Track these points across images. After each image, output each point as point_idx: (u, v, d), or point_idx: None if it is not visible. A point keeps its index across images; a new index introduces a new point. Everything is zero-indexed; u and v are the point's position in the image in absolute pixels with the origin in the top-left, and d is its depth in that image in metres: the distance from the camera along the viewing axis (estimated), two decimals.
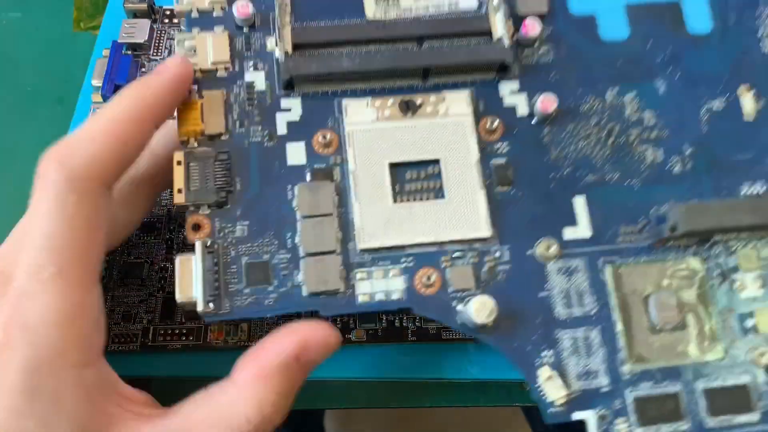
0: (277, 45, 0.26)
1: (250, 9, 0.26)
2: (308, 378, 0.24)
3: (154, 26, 0.32)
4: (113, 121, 0.22)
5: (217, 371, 0.24)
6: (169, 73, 0.24)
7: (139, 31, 0.32)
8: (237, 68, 0.26)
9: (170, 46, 0.32)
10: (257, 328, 0.27)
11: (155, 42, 0.33)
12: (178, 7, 0.26)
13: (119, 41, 0.32)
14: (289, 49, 0.25)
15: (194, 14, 0.26)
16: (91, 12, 0.37)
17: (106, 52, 0.32)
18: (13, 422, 0.19)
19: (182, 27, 0.26)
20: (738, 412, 0.24)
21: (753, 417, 0.24)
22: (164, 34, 0.32)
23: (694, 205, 0.25)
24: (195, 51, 0.25)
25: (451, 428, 0.44)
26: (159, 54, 0.32)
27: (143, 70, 0.32)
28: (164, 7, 0.33)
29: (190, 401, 0.22)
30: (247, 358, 0.23)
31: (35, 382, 0.19)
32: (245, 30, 0.26)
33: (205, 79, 0.25)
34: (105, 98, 0.31)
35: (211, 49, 0.26)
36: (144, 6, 0.32)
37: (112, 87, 0.30)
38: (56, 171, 0.21)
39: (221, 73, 0.26)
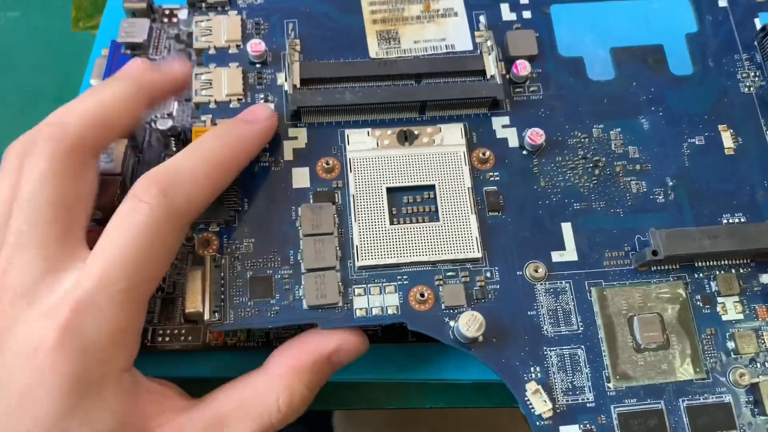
0: (286, 80, 0.28)
1: (262, 47, 0.28)
2: None
3: (153, 25, 0.32)
4: (215, 166, 0.24)
5: (216, 372, 0.25)
6: (263, 125, 0.26)
7: (138, 30, 0.31)
8: (249, 100, 0.28)
9: (169, 45, 0.31)
10: (255, 329, 0.28)
11: (154, 41, 0.32)
12: (197, 45, 0.29)
13: (118, 41, 0.31)
14: (297, 83, 0.28)
15: (211, 51, 0.29)
16: (90, 11, 0.37)
17: (105, 52, 0.31)
18: (58, 420, 0.20)
19: (201, 62, 0.29)
20: (721, 430, 0.25)
21: None
22: (163, 33, 0.32)
23: (674, 231, 0.26)
24: (211, 84, 0.28)
25: (451, 429, 0.43)
26: (158, 53, 0.31)
27: None
28: (163, 6, 0.32)
29: (222, 390, 0.24)
30: (282, 351, 0.24)
31: (81, 385, 0.20)
32: (258, 66, 0.29)
33: (219, 109, 0.28)
34: None
35: (225, 82, 0.28)
36: (143, 5, 0.31)
37: None
38: (156, 199, 0.22)
39: (234, 105, 0.28)
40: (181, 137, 0.29)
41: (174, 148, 0.29)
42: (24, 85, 0.36)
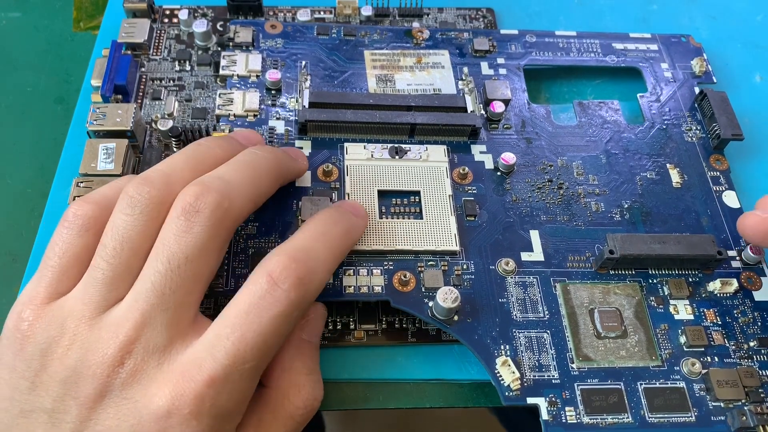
0: (297, 101, 0.33)
1: (278, 76, 0.33)
2: None
3: (154, 26, 0.32)
4: (339, 255, 0.26)
5: None
6: (365, 222, 0.28)
7: (139, 30, 0.32)
8: (263, 116, 0.32)
9: (170, 45, 0.32)
10: None
11: (155, 42, 0.32)
12: (222, 73, 0.34)
13: (119, 41, 0.31)
14: (306, 105, 0.32)
15: (234, 79, 0.34)
16: (90, 12, 0.37)
17: (105, 52, 0.31)
18: None
19: (225, 88, 0.34)
20: (675, 411, 0.27)
21: (690, 417, 0.27)
22: (164, 33, 0.32)
23: (629, 235, 0.29)
24: (232, 101, 0.32)
25: (451, 429, 0.42)
26: (158, 53, 0.32)
27: (143, 69, 0.31)
28: (164, 6, 0.32)
29: (247, 420, 0.24)
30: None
31: None
32: (273, 92, 0.33)
33: (235, 121, 0.32)
34: (105, 98, 0.30)
35: (246, 100, 0.32)
36: (144, 6, 0.32)
37: (111, 87, 0.30)
38: (295, 290, 0.23)
39: (250, 119, 0.32)
40: (182, 137, 0.32)
41: (174, 149, 0.31)
42: (24, 85, 0.35)
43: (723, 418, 0.27)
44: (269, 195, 0.27)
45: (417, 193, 0.31)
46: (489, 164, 0.33)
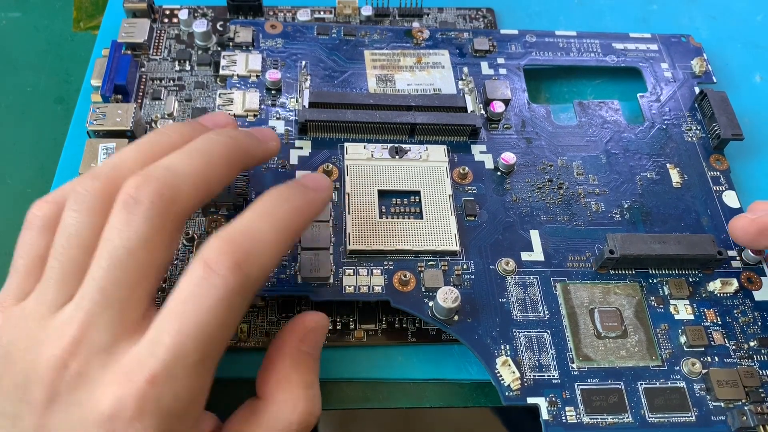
0: (297, 101, 0.33)
1: (278, 75, 0.33)
2: None
3: (154, 26, 0.32)
4: (288, 234, 0.23)
5: (218, 372, 0.26)
6: (326, 195, 0.26)
7: (139, 30, 0.32)
8: (263, 116, 0.32)
9: (170, 45, 0.32)
10: (256, 329, 0.30)
11: (155, 41, 0.32)
12: (222, 73, 0.34)
13: (119, 41, 0.31)
14: (306, 104, 0.32)
15: (234, 79, 0.34)
16: (90, 12, 0.37)
17: (105, 52, 0.31)
18: None
19: (225, 88, 0.33)
20: (675, 411, 0.27)
21: (690, 417, 0.27)
22: (164, 33, 0.32)
23: (629, 235, 0.29)
24: (232, 101, 0.32)
25: (451, 429, 0.42)
26: (158, 53, 0.32)
27: (143, 69, 0.32)
28: (164, 6, 0.33)
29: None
30: (263, 373, 0.25)
31: None
32: (273, 92, 0.33)
33: (237, 120, 0.32)
34: (104, 98, 0.30)
35: (245, 100, 0.32)
36: (143, 5, 0.32)
37: (111, 86, 0.30)
38: (232, 272, 0.21)
39: (250, 119, 0.32)
40: None
41: None
42: (24, 85, 0.36)
43: (723, 418, 0.27)
44: (226, 182, 0.25)
45: (417, 193, 0.31)
46: (489, 164, 0.33)
